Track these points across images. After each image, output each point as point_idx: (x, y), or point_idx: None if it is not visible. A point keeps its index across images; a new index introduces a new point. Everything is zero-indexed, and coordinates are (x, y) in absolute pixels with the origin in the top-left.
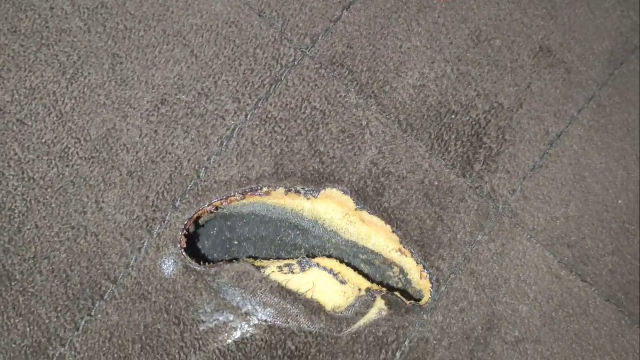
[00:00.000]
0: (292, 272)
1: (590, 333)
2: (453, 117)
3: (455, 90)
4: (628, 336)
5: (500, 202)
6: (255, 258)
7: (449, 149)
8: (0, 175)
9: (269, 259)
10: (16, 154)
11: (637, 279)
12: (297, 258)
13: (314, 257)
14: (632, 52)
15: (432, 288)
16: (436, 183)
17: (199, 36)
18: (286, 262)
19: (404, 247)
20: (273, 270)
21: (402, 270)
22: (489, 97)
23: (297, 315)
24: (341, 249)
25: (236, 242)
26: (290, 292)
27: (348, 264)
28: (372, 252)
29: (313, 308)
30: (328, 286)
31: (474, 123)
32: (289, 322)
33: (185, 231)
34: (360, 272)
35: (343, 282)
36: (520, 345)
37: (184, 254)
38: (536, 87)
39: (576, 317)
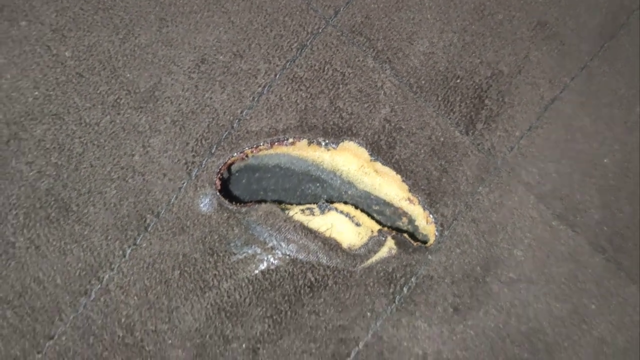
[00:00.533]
0: (313, 214)
1: (578, 277)
2: (458, 81)
3: (461, 58)
4: (612, 281)
5: (499, 158)
6: (280, 202)
7: (454, 109)
8: (61, 120)
9: (292, 204)
10: (74, 102)
11: (621, 230)
12: (317, 202)
13: (332, 202)
14: (621, 27)
15: (436, 232)
16: (442, 139)
17: (235, 4)
18: (307, 206)
19: (413, 196)
20: (296, 212)
21: (410, 221)
22: (490, 64)
23: (317, 251)
24: (356, 200)
25: (262, 193)
26: (310, 230)
27: (366, 214)
28: (384, 201)
29: (331, 245)
30: (344, 227)
31: (476, 87)
32: (309, 257)
33: (219, 175)
34: (376, 222)
35: (358, 224)
36: (515, 285)
37: (219, 194)
38: (533, 56)
39: (565, 262)
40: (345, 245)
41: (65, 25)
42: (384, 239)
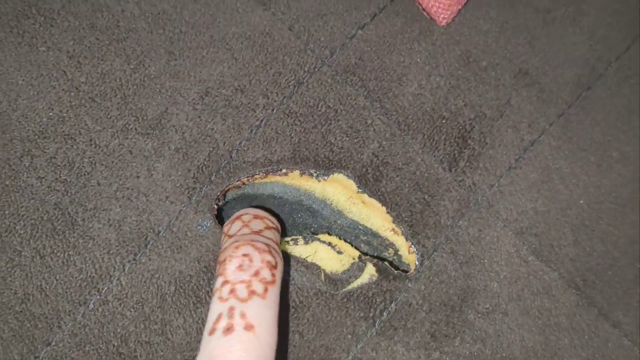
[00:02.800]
0: (297, 244)
1: (551, 311)
2: (443, 121)
3: (447, 100)
4: (584, 316)
5: (479, 195)
6: None
7: (439, 147)
8: (73, 140)
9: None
10: (86, 125)
11: (594, 268)
12: (303, 234)
13: (316, 234)
14: (598, 79)
15: (417, 261)
16: (426, 174)
17: (239, 42)
18: (293, 237)
19: (397, 226)
20: (282, 243)
21: (396, 252)
22: (474, 107)
23: (301, 276)
24: (345, 230)
25: None
26: (294, 257)
27: (349, 243)
28: (372, 232)
29: (313, 270)
30: (327, 254)
31: (460, 127)
32: (294, 281)
33: (217, 200)
34: (360, 252)
35: (340, 252)
36: (490, 316)
37: (216, 218)
38: (514, 101)
39: (539, 296)
40: (327, 270)
41: (81, 53)
42: (364, 264)
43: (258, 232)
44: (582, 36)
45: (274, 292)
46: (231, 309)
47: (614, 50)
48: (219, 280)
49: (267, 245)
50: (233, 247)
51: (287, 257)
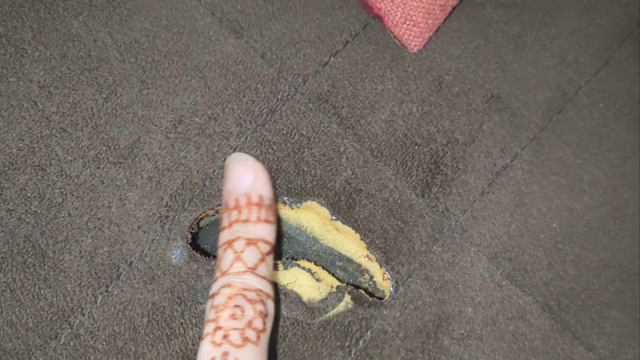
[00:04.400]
0: (276, 269)
1: (526, 335)
2: (416, 147)
3: (419, 126)
4: (559, 340)
5: (453, 220)
6: None
7: (411, 173)
8: (43, 171)
9: None
10: (57, 155)
11: (567, 292)
12: (281, 259)
13: (295, 259)
14: (568, 102)
15: (392, 288)
16: (399, 201)
17: (212, 71)
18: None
19: (371, 253)
20: None
21: (371, 277)
22: (446, 133)
23: (279, 303)
24: (320, 256)
25: None
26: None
27: (326, 270)
28: (347, 258)
29: (291, 298)
30: (305, 282)
31: (433, 153)
32: None
33: (191, 229)
34: (336, 277)
35: (318, 280)
36: (465, 341)
37: (189, 246)
38: (487, 126)
39: (514, 320)
40: (305, 298)
41: (52, 83)
42: (342, 294)
43: (253, 269)
44: (552, 60)
45: (265, 338)
46: (225, 353)
47: (584, 75)
48: (211, 325)
49: (259, 292)
50: (225, 296)
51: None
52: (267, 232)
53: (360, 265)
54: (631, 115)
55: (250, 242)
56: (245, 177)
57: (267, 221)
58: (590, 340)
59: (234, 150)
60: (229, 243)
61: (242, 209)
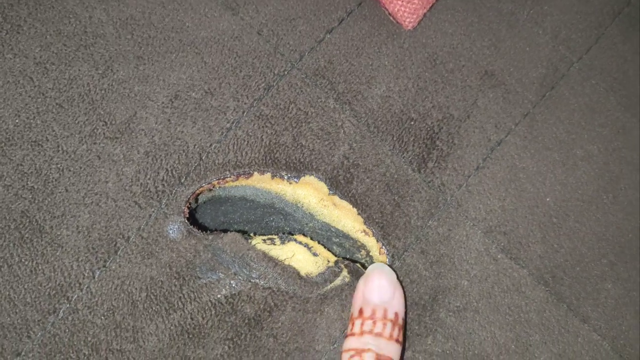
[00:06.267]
0: (274, 244)
1: (522, 307)
2: (412, 123)
3: (415, 102)
4: (554, 312)
5: (448, 195)
6: (245, 232)
7: (408, 149)
8: (39, 146)
9: (255, 234)
10: (53, 131)
11: (562, 264)
12: (278, 234)
13: (292, 234)
14: (561, 79)
15: (388, 262)
16: (396, 176)
17: (208, 46)
18: (269, 236)
19: (367, 228)
20: (258, 241)
21: (368, 253)
22: (441, 109)
23: (276, 278)
24: (317, 232)
25: (228, 224)
26: (271, 258)
27: (323, 246)
28: (343, 234)
29: (289, 272)
30: (303, 256)
31: (428, 129)
32: (269, 283)
33: (188, 204)
34: (333, 253)
35: (315, 255)
36: (461, 314)
37: (187, 221)
38: (481, 102)
39: (509, 293)
40: (302, 273)
41: (48, 60)
42: (339, 269)
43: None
44: (545, 37)
45: None
46: None
47: (576, 51)
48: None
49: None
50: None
51: (265, 257)
52: (396, 352)
53: (356, 242)
54: (622, 91)
55: (380, 358)
56: (387, 290)
57: (397, 341)
58: (584, 311)
59: (232, 125)
60: (358, 353)
61: (377, 321)
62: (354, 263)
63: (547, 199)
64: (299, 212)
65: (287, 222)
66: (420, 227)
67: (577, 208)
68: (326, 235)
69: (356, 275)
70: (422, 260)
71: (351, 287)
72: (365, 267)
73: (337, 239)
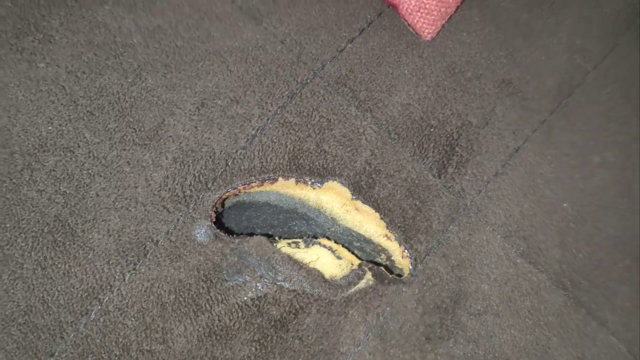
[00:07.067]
0: (298, 247)
1: (541, 311)
2: (432, 129)
3: (434, 109)
4: (573, 315)
5: (468, 200)
6: (270, 236)
7: (428, 155)
8: (72, 153)
9: (280, 237)
10: (85, 137)
11: (580, 269)
12: (302, 237)
13: (316, 238)
14: (577, 87)
15: (410, 266)
16: (417, 181)
17: (233, 55)
18: (294, 240)
19: (390, 232)
20: (283, 245)
21: (387, 257)
22: (460, 116)
23: (301, 280)
24: (339, 237)
25: (252, 228)
26: (296, 261)
27: (346, 249)
28: (364, 238)
29: (314, 275)
30: (327, 259)
31: (448, 135)
32: (294, 285)
33: (214, 208)
34: (354, 255)
35: (339, 258)
36: (482, 317)
37: (214, 225)
38: (499, 110)
39: (529, 297)
40: (327, 276)
41: (79, 68)
42: (363, 272)
43: None
44: (560, 47)
45: None
46: None
47: (592, 60)
48: None
49: None
50: None
51: (290, 260)
52: None
53: (377, 246)
54: (637, 99)
55: None
56: None
57: None
58: (602, 315)
59: (257, 132)
60: None
61: None
62: (378, 266)
63: (565, 205)
64: (321, 217)
65: (309, 227)
66: (442, 231)
67: (594, 213)
68: (347, 240)
69: (380, 278)
70: (444, 264)
71: (375, 290)
72: (389, 271)
73: (358, 244)
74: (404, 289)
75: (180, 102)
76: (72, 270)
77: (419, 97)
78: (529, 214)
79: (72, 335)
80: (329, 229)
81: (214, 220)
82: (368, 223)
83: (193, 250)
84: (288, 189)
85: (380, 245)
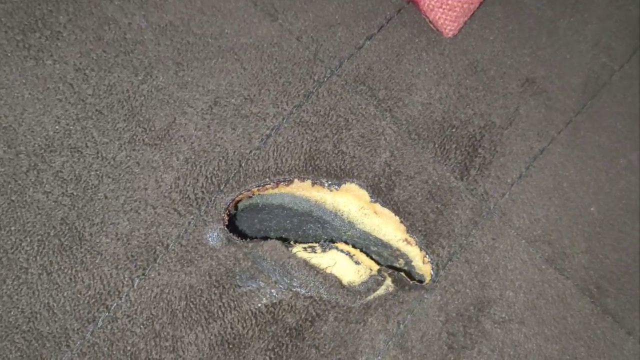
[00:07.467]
0: (315, 252)
1: (567, 319)
2: (453, 130)
3: (456, 109)
4: (599, 324)
5: (492, 203)
6: (285, 240)
7: (450, 156)
8: (79, 153)
9: (296, 241)
10: (93, 137)
11: (607, 275)
12: (318, 242)
13: (333, 242)
14: (603, 87)
15: (432, 271)
16: (438, 183)
17: (247, 53)
18: (310, 244)
19: (410, 237)
20: (299, 249)
21: (406, 262)
22: (483, 116)
23: (318, 287)
24: (355, 241)
25: (265, 232)
26: (312, 267)
27: (365, 254)
28: (382, 243)
29: (331, 281)
30: (344, 265)
31: (470, 136)
32: (310, 292)
33: (227, 211)
34: (372, 259)
35: (357, 263)
36: (507, 325)
37: (226, 229)
38: (523, 110)
39: (554, 304)
40: (345, 282)
41: (88, 66)
42: (382, 278)
43: None
44: (585, 45)
45: None
46: None
47: (618, 59)
48: None
49: None
50: None
51: (306, 266)
52: None
53: (396, 250)
54: None
55: None
56: None
57: None
58: (630, 323)
59: (272, 131)
60: None
61: None
62: (398, 272)
63: (592, 209)
64: (337, 220)
65: (324, 231)
66: (464, 235)
67: (621, 218)
68: (364, 244)
69: (400, 284)
70: (467, 269)
71: (395, 297)
72: (409, 276)
73: (376, 248)
74: (425, 296)
75: (192, 100)
76: (79, 275)
77: (440, 96)
78: (555, 218)
79: (79, 343)
80: (345, 232)
81: (227, 223)
82: (387, 227)
83: (205, 255)
84: (304, 191)
85: (399, 250)
